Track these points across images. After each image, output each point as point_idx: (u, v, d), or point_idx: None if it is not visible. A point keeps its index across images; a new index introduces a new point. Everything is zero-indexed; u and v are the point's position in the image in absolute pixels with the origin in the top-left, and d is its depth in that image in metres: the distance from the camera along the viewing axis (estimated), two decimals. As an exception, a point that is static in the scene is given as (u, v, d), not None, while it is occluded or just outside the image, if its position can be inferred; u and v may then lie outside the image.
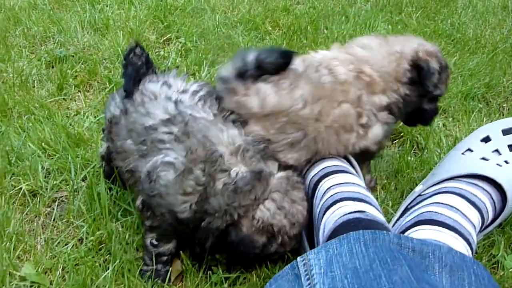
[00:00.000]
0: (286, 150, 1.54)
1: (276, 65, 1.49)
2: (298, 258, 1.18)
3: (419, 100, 1.66)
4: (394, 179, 1.84)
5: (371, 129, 1.61)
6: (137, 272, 1.46)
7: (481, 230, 1.49)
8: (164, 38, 2.87)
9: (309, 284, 1.10)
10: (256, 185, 1.33)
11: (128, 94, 1.54)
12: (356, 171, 1.63)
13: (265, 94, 1.50)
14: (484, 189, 1.49)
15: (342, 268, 1.07)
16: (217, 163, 1.34)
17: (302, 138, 1.53)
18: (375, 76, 1.59)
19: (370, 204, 1.42)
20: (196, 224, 1.38)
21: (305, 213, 1.41)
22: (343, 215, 1.35)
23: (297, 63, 1.57)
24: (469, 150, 1.67)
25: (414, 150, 2.03)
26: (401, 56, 1.61)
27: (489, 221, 1.50)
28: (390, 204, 1.73)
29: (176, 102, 1.45)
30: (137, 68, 1.58)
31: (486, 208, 1.46)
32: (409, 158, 1.94)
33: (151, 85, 1.53)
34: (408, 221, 1.44)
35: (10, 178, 1.77)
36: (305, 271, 1.14)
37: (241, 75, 1.50)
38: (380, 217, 1.38)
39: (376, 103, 1.60)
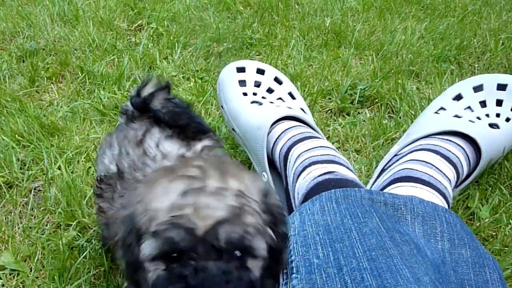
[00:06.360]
0: None
1: None
2: None
3: None
4: (371, 144, 1.84)
5: None
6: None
7: (456, 185, 1.50)
8: (136, 25, 2.83)
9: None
10: None
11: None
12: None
13: None
14: (458, 144, 1.50)
15: (314, 226, 1.08)
16: None
17: None
18: None
19: (340, 164, 1.42)
20: None
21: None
22: (313, 179, 1.35)
23: None
24: (442, 108, 1.67)
25: (388, 113, 2.03)
26: None
27: (464, 175, 1.51)
28: (367, 168, 1.73)
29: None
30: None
31: (461, 162, 1.47)
32: (385, 121, 1.95)
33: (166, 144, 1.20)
34: (385, 180, 1.44)
35: (-16, 172, 1.74)
36: None
37: None
38: (350, 175, 1.39)
39: None
